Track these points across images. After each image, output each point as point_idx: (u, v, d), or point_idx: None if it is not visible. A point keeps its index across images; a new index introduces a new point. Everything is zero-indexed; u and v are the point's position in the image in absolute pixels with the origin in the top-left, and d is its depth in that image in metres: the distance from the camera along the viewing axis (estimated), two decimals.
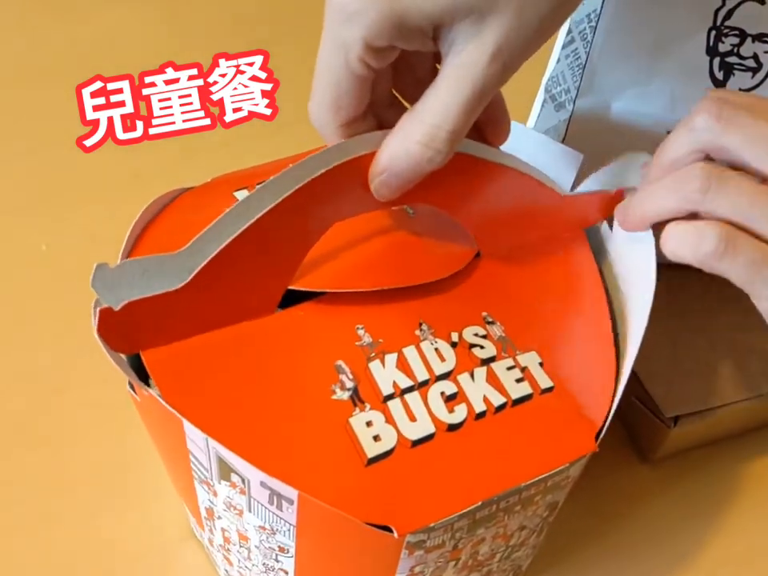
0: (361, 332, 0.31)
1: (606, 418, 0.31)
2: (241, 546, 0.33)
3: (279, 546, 0.31)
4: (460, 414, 0.30)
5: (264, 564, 0.33)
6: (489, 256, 0.35)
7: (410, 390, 0.30)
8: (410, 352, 0.31)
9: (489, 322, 0.33)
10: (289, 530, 0.29)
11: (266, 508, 0.28)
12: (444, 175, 0.30)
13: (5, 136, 0.59)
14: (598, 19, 0.40)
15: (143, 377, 0.29)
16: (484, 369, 0.31)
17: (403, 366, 0.30)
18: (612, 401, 0.31)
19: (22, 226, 0.55)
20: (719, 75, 0.41)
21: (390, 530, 0.27)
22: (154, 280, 0.28)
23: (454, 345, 0.31)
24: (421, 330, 0.32)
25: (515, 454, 0.30)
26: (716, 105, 0.30)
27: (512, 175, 0.34)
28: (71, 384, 0.47)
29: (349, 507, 0.27)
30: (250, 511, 0.29)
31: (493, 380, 0.31)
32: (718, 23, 0.39)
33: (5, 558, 0.42)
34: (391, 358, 0.30)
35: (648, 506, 0.47)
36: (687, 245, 0.30)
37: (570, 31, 0.42)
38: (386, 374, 0.30)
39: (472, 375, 0.31)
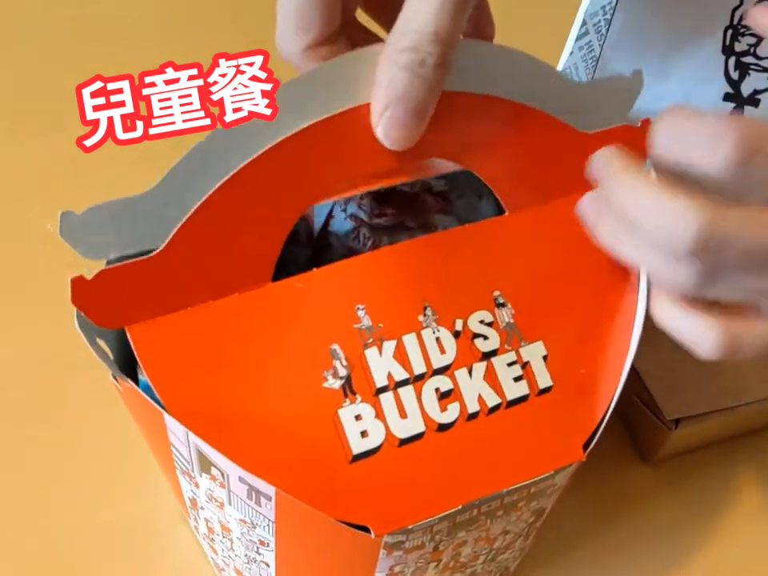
0: (361, 313, 0.30)
1: (598, 426, 0.30)
2: (224, 537, 0.33)
3: (260, 540, 0.30)
4: (452, 413, 0.29)
5: (246, 555, 0.33)
6: (514, 213, 0.32)
7: (404, 383, 0.29)
8: (409, 341, 0.30)
9: (499, 304, 0.31)
10: (268, 525, 0.29)
11: (245, 502, 0.28)
12: (452, 121, 0.28)
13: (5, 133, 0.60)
14: (614, 12, 0.39)
15: (130, 353, 0.29)
16: (483, 364, 0.30)
17: (401, 355, 0.29)
18: (608, 407, 0.31)
19: (27, 213, 0.55)
20: (734, 75, 0.40)
21: (368, 530, 0.27)
22: (127, 224, 0.27)
23: (456, 334, 0.30)
24: (425, 315, 0.30)
25: (501, 459, 0.29)
26: (746, 144, 0.23)
27: (531, 114, 0.31)
28: (77, 365, 0.47)
29: (328, 505, 0.26)
30: (230, 504, 0.29)
31: (490, 378, 0.30)
32: (735, 22, 0.38)
33: (5, 538, 0.42)
34: (389, 346, 0.29)
35: (647, 506, 0.46)
36: (686, 339, 0.27)
37: (584, 23, 0.41)
38: (381, 364, 0.29)
39: (470, 371, 0.30)
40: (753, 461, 0.48)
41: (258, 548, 0.31)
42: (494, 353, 0.30)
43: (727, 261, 0.23)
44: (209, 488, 0.29)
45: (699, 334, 0.26)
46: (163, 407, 0.27)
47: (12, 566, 0.41)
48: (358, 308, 0.30)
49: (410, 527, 0.27)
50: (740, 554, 0.45)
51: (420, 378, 0.29)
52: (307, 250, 0.38)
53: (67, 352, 0.46)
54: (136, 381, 0.30)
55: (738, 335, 0.25)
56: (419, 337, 0.30)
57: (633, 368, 0.43)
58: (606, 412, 0.30)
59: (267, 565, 0.32)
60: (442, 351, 0.30)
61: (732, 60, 0.39)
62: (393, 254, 0.31)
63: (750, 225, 0.23)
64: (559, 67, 0.45)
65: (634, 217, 0.25)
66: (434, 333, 0.30)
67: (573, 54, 0.43)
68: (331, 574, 0.32)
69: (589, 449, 0.30)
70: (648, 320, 0.31)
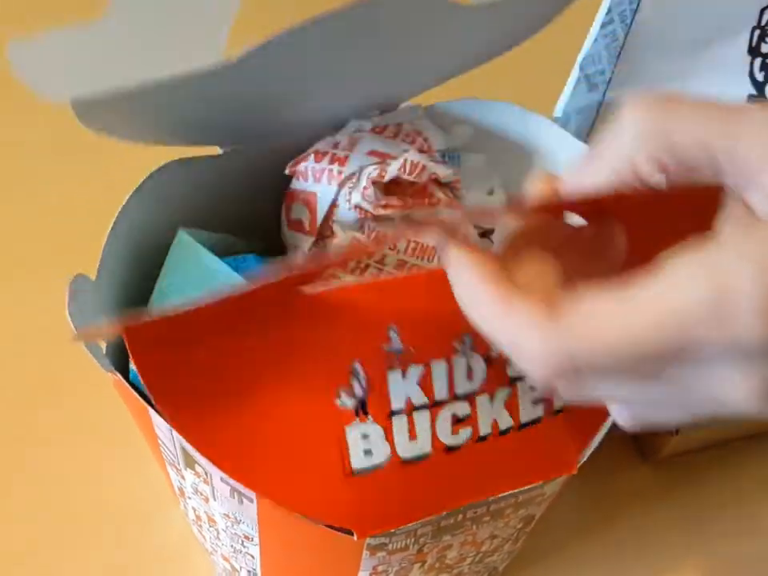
0: (392, 334, 0.28)
1: (592, 440, 0.30)
2: (210, 527, 0.33)
3: (244, 535, 0.31)
4: (463, 436, 0.28)
5: (232, 546, 0.33)
6: None
7: (421, 407, 0.28)
8: (437, 366, 0.28)
9: None
10: (252, 522, 0.29)
11: (228, 500, 0.29)
12: None
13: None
14: (639, 2, 0.38)
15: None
16: (507, 390, 0.29)
17: (425, 381, 0.28)
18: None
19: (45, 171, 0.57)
20: (759, 76, 0.38)
21: (351, 533, 0.27)
22: None
23: (489, 360, 0.29)
24: (462, 342, 0.28)
25: (493, 468, 0.29)
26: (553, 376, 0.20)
27: None
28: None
29: (311, 508, 0.27)
30: (214, 500, 0.29)
31: (511, 403, 0.29)
32: (763, 23, 0.37)
33: (6, 509, 0.43)
34: (415, 371, 0.28)
35: (646, 505, 0.46)
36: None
37: (609, 10, 0.40)
38: (402, 388, 0.27)
39: (492, 397, 0.29)
40: (754, 463, 0.48)
41: (242, 541, 0.32)
42: (520, 377, 0.29)
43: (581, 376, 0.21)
44: (194, 482, 0.30)
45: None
46: (149, 400, 0.27)
47: (9, 540, 0.43)
48: (390, 328, 0.28)
49: (392, 531, 0.28)
50: (739, 554, 0.45)
51: (439, 403, 0.28)
52: (311, 237, 0.38)
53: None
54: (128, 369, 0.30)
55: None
56: (449, 363, 0.28)
57: None
58: (603, 425, 0.30)
59: (252, 557, 0.33)
60: (470, 378, 0.29)
61: (758, 61, 0.38)
62: (435, 277, 0.29)
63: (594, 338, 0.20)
64: (582, 55, 0.44)
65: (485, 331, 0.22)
66: (466, 359, 0.29)
67: (597, 41, 0.42)
68: (315, 571, 0.33)
69: (580, 461, 0.30)
70: None
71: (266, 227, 0.41)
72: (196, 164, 0.38)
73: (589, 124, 0.45)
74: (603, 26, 0.41)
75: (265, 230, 0.42)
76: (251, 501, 0.27)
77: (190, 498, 0.32)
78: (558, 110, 0.44)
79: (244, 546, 0.32)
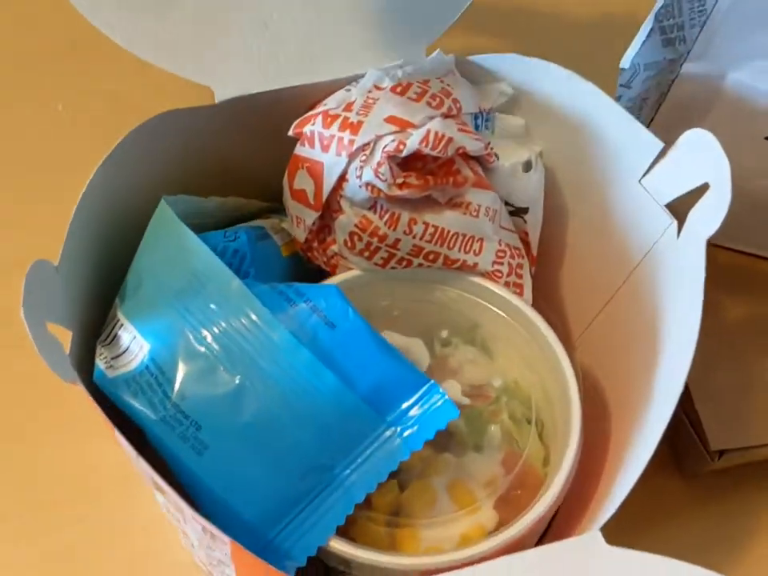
0: None
1: None
2: (185, 537, 0.34)
3: (219, 560, 0.31)
4: None
5: (208, 560, 0.33)
6: None
7: None
8: None
9: None
10: (225, 557, 0.29)
11: (201, 534, 0.28)
12: None
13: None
14: None
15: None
16: None
17: None
18: None
19: (38, 87, 0.59)
20: None
21: None
22: None
23: None
24: None
25: None
26: None
27: None
28: None
29: None
30: (186, 524, 0.29)
31: None
32: None
33: None
34: None
35: (676, 520, 0.46)
36: None
37: None
38: None
39: None
40: None
41: (219, 561, 0.32)
42: None
43: None
44: (165, 503, 0.29)
45: None
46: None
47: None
48: None
49: None
50: None
51: None
52: (315, 213, 0.37)
53: None
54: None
55: None
56: None
57: (687, 392, 0.42)
58: None
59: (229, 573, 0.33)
60: None
61: None
62: None
63: None
64: (659, 4, 0.41)
65: None
66: None
67: None
68: None
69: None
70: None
71: (266, 188, 0.40)
72: (187, 116, 0.36)
73: (659, 85, 0.42)
74: None
75: (265, 191, 0.40)
76: (224, 543, 0.27)
77: (164, 509, 0.32)
78: (626, 61, 0.42)
79: (220, 565, 0.32)
